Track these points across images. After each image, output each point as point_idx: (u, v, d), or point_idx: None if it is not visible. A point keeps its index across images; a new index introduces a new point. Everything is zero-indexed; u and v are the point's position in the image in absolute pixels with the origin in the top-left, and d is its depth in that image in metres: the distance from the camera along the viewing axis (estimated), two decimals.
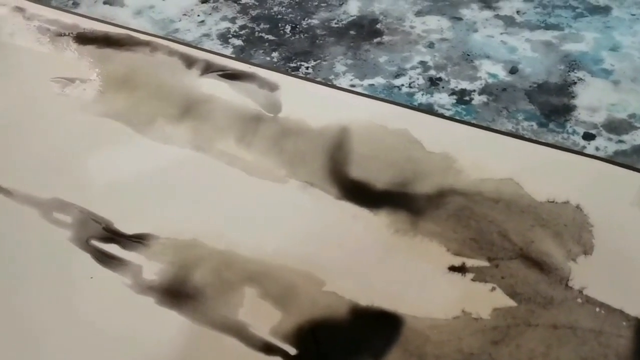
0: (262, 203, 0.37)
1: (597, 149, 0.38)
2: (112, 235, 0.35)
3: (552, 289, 0.31)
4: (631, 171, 0.36)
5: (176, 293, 0.32)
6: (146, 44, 0.48)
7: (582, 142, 0.39)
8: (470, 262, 0.32)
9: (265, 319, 0.31)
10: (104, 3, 0.55)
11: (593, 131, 0.40)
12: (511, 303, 0.30)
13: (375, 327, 0.30)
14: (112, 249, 0.34)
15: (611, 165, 0.36)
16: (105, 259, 0.34)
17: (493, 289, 0.31)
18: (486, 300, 0.31)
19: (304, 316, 0.31)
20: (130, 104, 0.43)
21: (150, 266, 0.33)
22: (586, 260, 0.32)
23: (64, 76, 0.46)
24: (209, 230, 0.35)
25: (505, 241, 0.33)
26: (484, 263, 0.32)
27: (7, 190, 0.38)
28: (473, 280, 0.32)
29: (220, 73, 0.45)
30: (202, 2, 0.54)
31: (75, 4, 0.55)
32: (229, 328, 0.30)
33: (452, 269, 0.32)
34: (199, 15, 0.52)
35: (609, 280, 0.31)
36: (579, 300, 0.30)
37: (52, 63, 0.48)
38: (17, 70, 0.48)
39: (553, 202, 0.34)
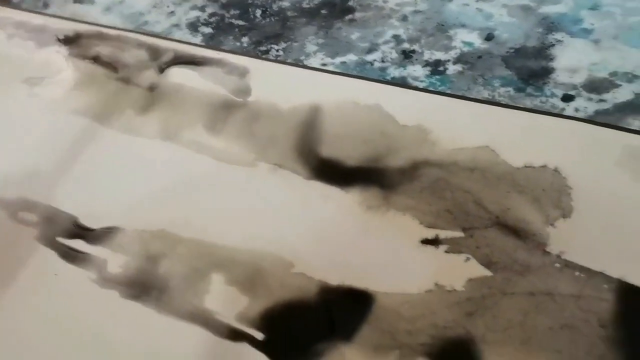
0: (230, 189, 0.35)
1: (576, 110, 0.37)
2: (79, 231, 0.34)
3: (529, 256, 0.29)
4: (613, 130, 0.34)
5: (142, 285, 0.31)
6: (115, 38, 0.48)
7: (561, 105, 0.37)
8: (444, 234, 0.31)
9: (232, 305, 0.29)
10: (74, 2, 0.54)
11: (572, 92, 0.38)
12: (486, 273, 0.29)
13: (346, 306, 0.29)
14: (78, 244, 0.33)
15: (591, 126, 0.34)
16: (70, 255, 0.33)
17: (467, 259, 0.30)
18: (460, 271, 0.29)
19: (271, 300, 0.29)
20: (98, 98, 0.43)
21: (116, 259, 0.32)
22: (565, 224, 0.30)
23: (34, 76, 0.46)
24: (177, 219, 0.34)
25: (481, 210, 0.32)
26: (459, 234, 0.31)
27: None
28: (447, 252, 0.30)
29: (188, 61, 0.44)
30: None
31: (46, 5, 0.54)
32: (195, 317, 0.29)
33: (425, 242, 0.31)
34: (168, 6, 0.51)
35: (589, 243, 0.29)
36: (557, 265, 0.28)
37: (21, 66, 0.47)
38: None
39: (530, 167, 0.33)
